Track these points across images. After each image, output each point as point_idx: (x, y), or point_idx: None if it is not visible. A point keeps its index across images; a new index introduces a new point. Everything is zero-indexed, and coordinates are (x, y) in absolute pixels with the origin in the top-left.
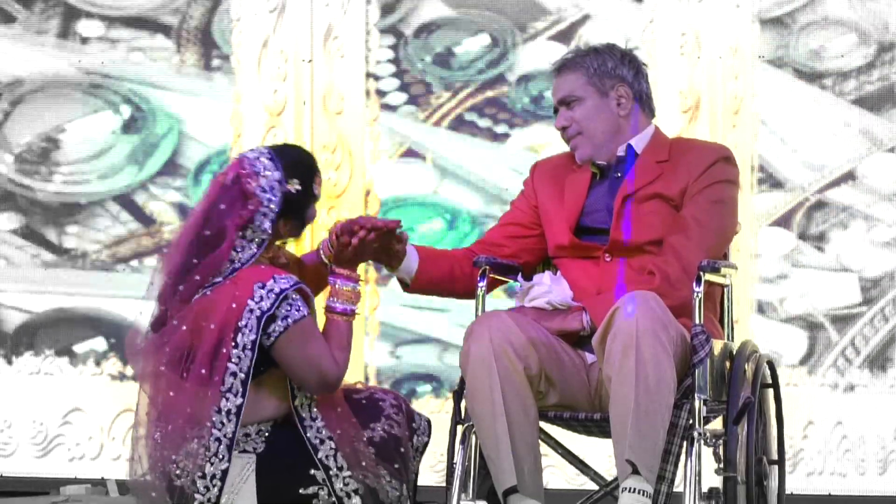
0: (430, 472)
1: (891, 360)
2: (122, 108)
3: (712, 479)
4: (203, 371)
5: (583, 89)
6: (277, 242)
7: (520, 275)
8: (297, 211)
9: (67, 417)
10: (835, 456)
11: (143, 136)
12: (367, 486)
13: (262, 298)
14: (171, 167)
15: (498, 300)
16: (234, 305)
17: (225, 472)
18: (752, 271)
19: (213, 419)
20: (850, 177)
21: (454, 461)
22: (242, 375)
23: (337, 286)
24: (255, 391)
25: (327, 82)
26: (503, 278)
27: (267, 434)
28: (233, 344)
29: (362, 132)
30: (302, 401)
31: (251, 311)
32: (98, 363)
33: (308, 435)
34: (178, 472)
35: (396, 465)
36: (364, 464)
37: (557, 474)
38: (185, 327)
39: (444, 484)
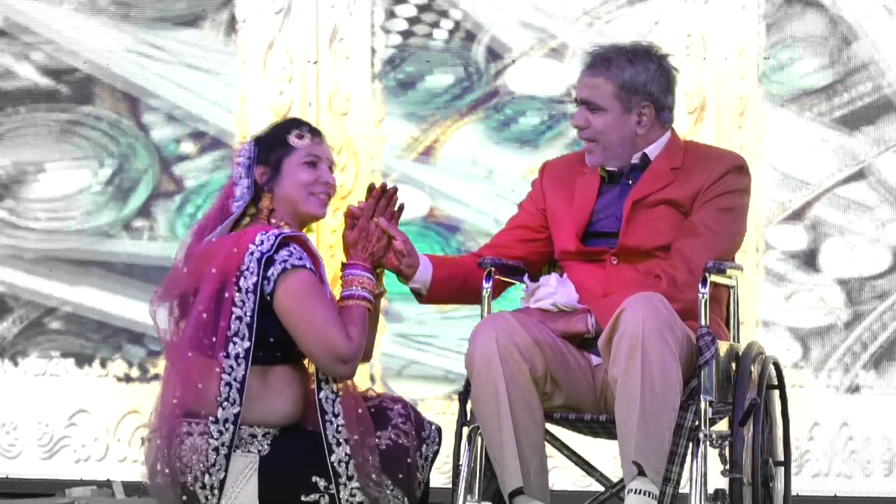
0: (436, 473)
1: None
2: None
3: (718, 481)
4: (205, 315)
5: (608, 100)
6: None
7: (526, 276)
8: (266, 156)
9: (73, 419)
10: (840, 457)
11: None
12: (370, 499)
13: (262, 242)
14: None
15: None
16: (235, 250)
17: (237, 416)
18: (758, 274)
19: (223, 364)
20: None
21: (460, 463)
22: (248, 319)
23: (350, 276)
24: (264, 387)
25: (333, 83)
26: (509, 279)
27: (273, 437)
28: (235, 288)
29: (368, 133)
30: (328, 394)
31: (252, 253)
32: (104, 364)
33: (327, 432)
34: (193, 476)
35: (400, 476)
36: (368, 472)
37: (563, 475)
38: (186, 269)
39: (449, 485)
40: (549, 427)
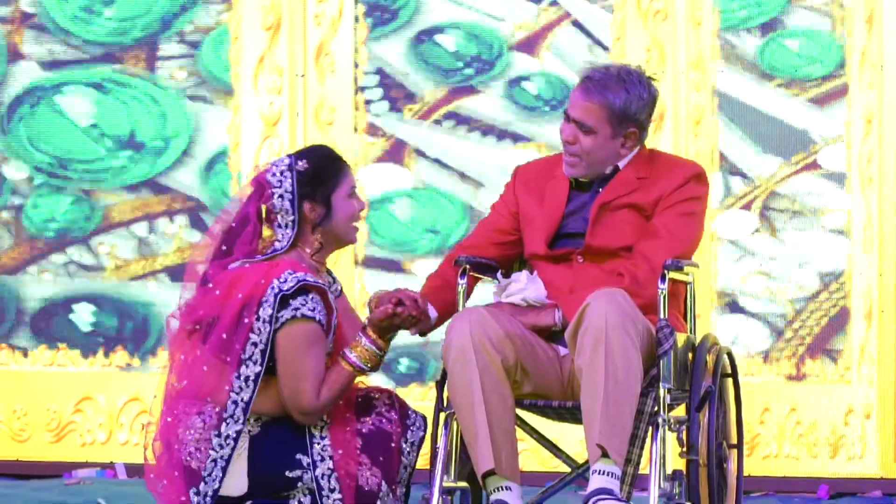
0: None
1: (839, 351)
2: None
3: (676, 462)
4: (224, 336)
5: (600, 125)
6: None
7: (499, 273)
8: (314, 190)
9: (79, 406)
10: (789, 440)
11: None
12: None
13: (285, 280)
14: None
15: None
16: (262, 281)
17: (239, 434)
18: (712, 271)
19: (233, 384)
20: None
21: (437, 446)
22: (262, 346)
23: (362, 343)
24: (265, 391)
25: (319, 95)
26: (483, 276)
27: (263, 421)
28: (255, 316)
29: (351, 141)
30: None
31: (273, 287)
32: (107, 354)
33: (313, 450)
34: (188, 452)
35: (381, 458)
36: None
37: (533, 457)
38: (218, 291)
39: (427, 467)
40: (520, 413)
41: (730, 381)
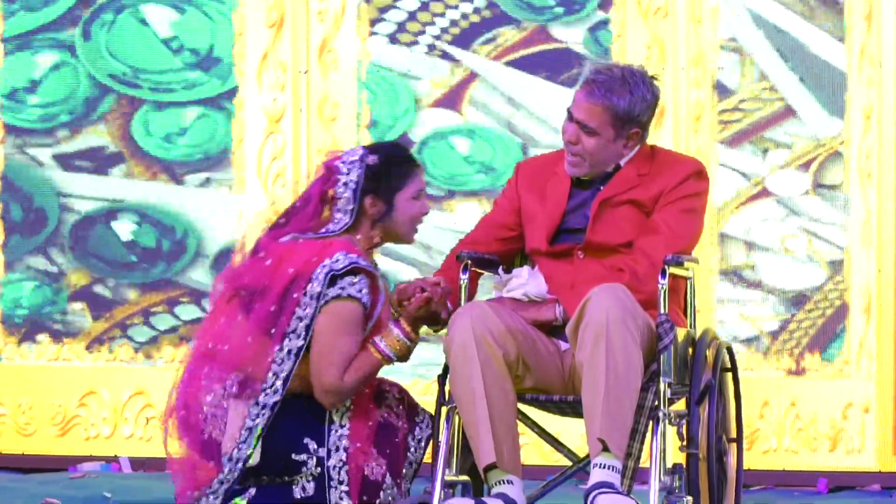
0: None
1: (838, 345)
2: None
3: (676, 456)
4: (272, 308)
5: (603, 127)
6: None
7: (500, 268)
8: (378, 185)
9: (84, 400)
10: (788, 435)
11: None
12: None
13: (338, 261)
14: None
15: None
16: (314, 259)
17: (276, 405)
18: (713, 265)
19: (275, 356)
20: None
21: (439, 440)
22: (307, 321)
23: (393, 334)
24: (300, 362)
25: (322, 91)
26: (484, 271)
27: (284, 399)
28: (303, 292)
29: (354, 137)
30: (340, 407)
31: (324, 265)
32: (111, 350)
33: (329, 437)
34: (203, 418)
35: (388, 451)
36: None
37: (534, 451)
38: (269, 262)
39: (429, 461)
40: (521, 407)
41: (729, 375)
